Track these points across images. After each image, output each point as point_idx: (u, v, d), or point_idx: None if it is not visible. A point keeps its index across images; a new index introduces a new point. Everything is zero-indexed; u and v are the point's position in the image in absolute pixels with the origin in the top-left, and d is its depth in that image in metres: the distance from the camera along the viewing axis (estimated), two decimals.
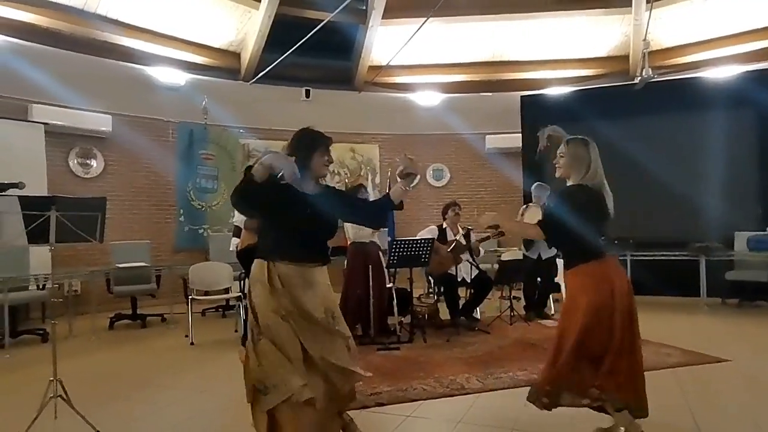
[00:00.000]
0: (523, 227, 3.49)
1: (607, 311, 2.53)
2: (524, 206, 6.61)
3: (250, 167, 2.21)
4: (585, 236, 2.59)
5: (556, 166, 2.82)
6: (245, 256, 5.07)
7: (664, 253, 6.91)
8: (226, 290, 6.22)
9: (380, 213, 2.65)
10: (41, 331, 5.66)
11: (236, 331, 5.87)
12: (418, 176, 2.59)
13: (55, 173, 7.16)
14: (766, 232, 6.64)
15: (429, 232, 5.85)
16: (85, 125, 7.36)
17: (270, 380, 2.21)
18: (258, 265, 2.37)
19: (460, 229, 5.93)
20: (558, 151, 2.78)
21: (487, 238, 5.82)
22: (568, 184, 2.75)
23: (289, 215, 2.34)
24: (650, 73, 7.01)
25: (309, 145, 2.44)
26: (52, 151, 7.17)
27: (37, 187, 6.51)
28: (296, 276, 2.32)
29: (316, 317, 2.31)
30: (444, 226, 6.01)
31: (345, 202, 2.64)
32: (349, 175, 9.53)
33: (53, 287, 4.17)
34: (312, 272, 2.38)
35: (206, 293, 6.25)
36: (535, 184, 6.62)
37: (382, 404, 3.41)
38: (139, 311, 6.55)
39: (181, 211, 8.37)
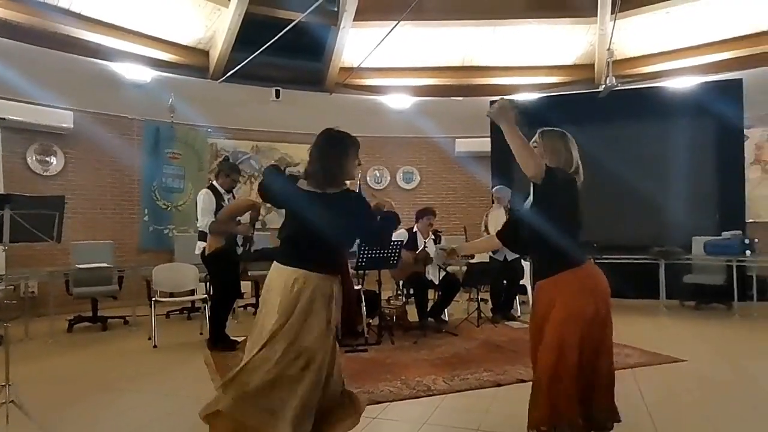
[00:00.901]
0: (477, 246, 3.21)
1: (599, 324, 2.32)
2: (489, 210, 6.72)
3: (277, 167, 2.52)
4: (566, 235, 2.36)
5: None
6: (213, 260, 5.00)
7: (626, 256, 7.10)
8: (192, 292, 6.11)
9: (387, 235, 2.79)
10: None
11: (201, 333, 5.76)
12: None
13: (12, 170, 6.91)
14: (722, 237, 6.89)
15: (398, 236, 5.87)
16: (44, 121, 7.11)
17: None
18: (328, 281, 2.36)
19: (430, 233, 5.98)
20: (531, 141, 2.49)
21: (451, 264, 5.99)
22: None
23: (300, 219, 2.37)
24: (614, 81, 7.21)
25: (344, 149, 2.44)
26: (9, 147, 6.92)
27: None
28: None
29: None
30: (414, 230, 6.04)
31: (359, 214, 2.48)
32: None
33: (7, 288, 4.00)
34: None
35: (171, 295, 6.12)
36: (497, 186, 6.76)
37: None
38: (100, 313, 6.36)
39: (146, 210, 8.17)
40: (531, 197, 2.47)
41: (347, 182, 2.51)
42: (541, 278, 2.44)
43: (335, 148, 2.41)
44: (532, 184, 2.40)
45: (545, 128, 2.54)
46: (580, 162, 2.51)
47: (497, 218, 6.37)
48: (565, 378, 2.22)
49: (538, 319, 2.42)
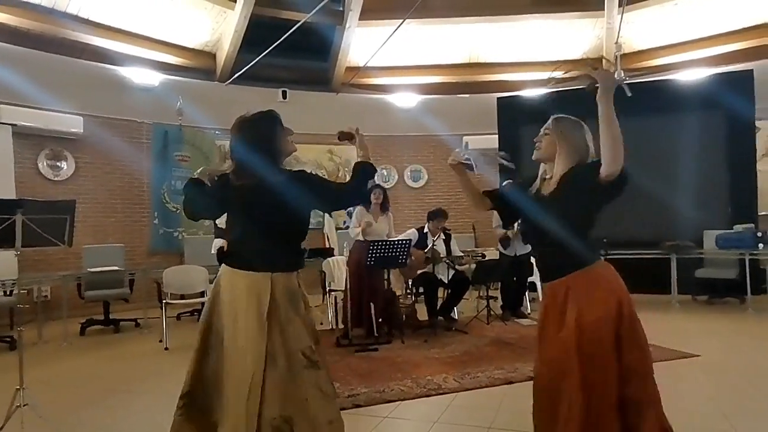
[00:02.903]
0: (471, 186, 2.44)
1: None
2: None
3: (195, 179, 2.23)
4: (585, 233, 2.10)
5: (536, 146, 2.26)
6: None
7: (637, 251, 7.05)
8: (202, 293, 6.13)
9: (363, 184, 2.30)
10: (9, 339, 5.51)
11: None
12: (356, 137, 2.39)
13: (23, 175, 6.99)
14: (734, 231, 6.82)
15: (409, 235, 5.87)
16: (55, 126, 7.18)
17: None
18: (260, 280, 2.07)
19: (440, 233, 5.97)
20: (543, 128, 2.23)
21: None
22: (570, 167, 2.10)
23: (257, 213, 2.10)
24: (622, 75, 7.15)
25: (270, 127, 2.18)
26: (21, 152, 7.00)
27: (5, 190, 6.35)
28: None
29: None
30: (425, 230, 6.04)
31: (324, 188, 2.27)
32: (327, 177, 9.51)
33: (20, 293, 4.04)
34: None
35: (181, 297, 6.15)
36: (507, 181, 6.72)
37: (359, 406, 3.40)
38: (111, 316, 6.42)
39: (156, 213, 8.23)
40: (540, 185, 2.24)
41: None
42: (551, 278, 2.12)
43: (257, 132, 2.15)
44: (551, 168, 2.17)
45: (560, 115, 2.20)
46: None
47: None
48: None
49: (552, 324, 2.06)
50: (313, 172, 2.41)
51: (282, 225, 2.13)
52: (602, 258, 2.17)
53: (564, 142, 2.13)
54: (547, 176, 2.23)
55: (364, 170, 2.25)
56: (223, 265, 2.19)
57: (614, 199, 2.05)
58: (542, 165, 2.29)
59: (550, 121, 2.21)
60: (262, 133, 2.15)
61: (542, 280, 2.24)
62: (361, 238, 5.50)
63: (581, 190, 2.01)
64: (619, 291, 2.00)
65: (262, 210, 2.10)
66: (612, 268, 2.10)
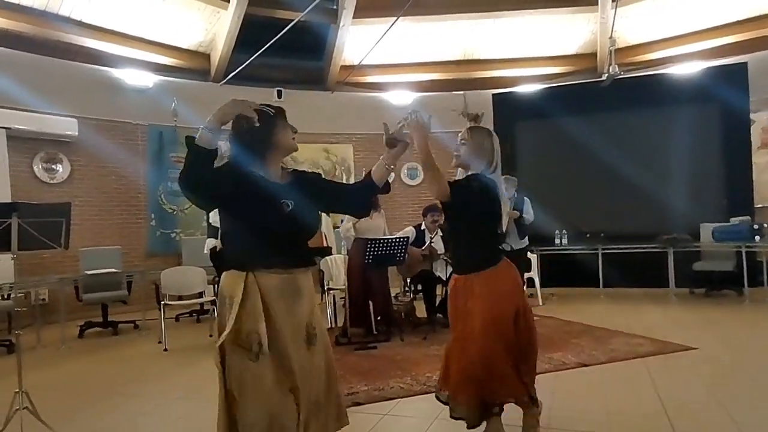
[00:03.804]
0: (432, 162, 2.44)
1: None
2: None
3: (192, 138, 1.86)
4: (484, 237, 2.49)
5: (455, 154, 2.54)
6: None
7: (634, 246, 7.08)
8: (200, 294, 6.13)
9: (365, 197, 2.19)
10: (7, 342, 5.48)
11: (211, 335, 5.79)
12: (409, 144, 2.25)
13: (18, 179, 6.97)
14: (730, 223, 6.85)
15: (407, 233, 5.88)
16: (49, 129, 7.16)
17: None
18: (230, 278, 1.93)
19: (437, 229, 5.97)
20: (458, 139, 2.52)
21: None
22: (469, 173, 2.51)
23: (263, 210, 1.93)
24: (617, 70, 7.16)
25: (267, 118, 2.00)
26: (16, 156, 6.97)
27: (0, 194, 6.34)
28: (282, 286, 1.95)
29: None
30: (423, 228, 6.04)
31: (323, 188, 2.16)
32: (323, 175, 9.51)
33: (18, 296, 4.03)
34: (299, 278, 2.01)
35: (179, 298, 6.15)
36: (502, 177, 6.71)
37: (359, 404, 3.40)
38: (110, 318, 6.41)
39: (152, 215, 8.22)
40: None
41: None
42: (461, 273, 2.54)
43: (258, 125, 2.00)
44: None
45: (474, 125, 2.61)
46: (499, 159, 2.53)
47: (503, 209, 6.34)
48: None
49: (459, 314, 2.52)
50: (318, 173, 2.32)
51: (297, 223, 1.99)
52: (505, 259, 2.53)
53: (478, 150, 2.48)
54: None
55: (371, 185, 2.17)
56: (232, 270, 1.94)
57: (476, 206, 2.42)
58: (459, 170, 2.58)
59: (465, 131, 2.53)
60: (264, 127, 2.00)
61: (453, 272, 2.62)
62: (351, 234, 5.49)
63: (452, 208, 2.47)
64: (517, 291, 2.47)
65: (275, 205, 1.95)
66: (513, 267, 2.51)
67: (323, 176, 2.29)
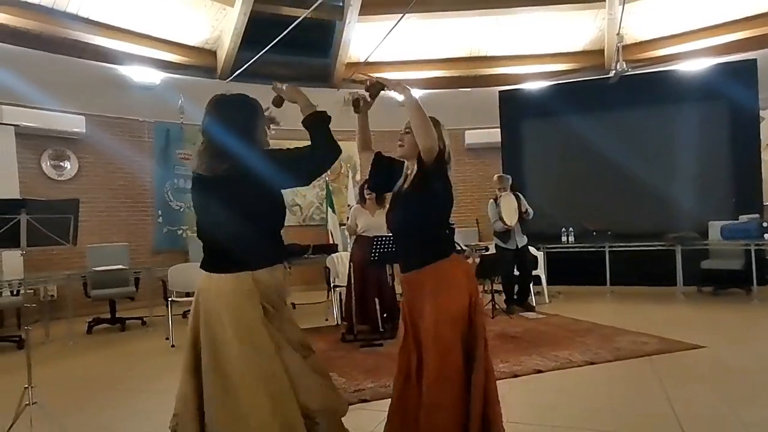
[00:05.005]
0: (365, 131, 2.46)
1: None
2: (493, 199, 6.65)
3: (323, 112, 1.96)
4: (442, 224, 2.27)
5: (398, 144, 2.39)
6: None
7: (641, 244, 7.04)
8: None
9: (328, 139, 2.03)
10: (16, 338, 5.54)
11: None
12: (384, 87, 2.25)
13: (27, 176, 7.02)
14: (738, 221, 6.79)
15: None
16: (57, 126, 7.21)
17: None
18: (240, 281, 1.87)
19: None
20: (404, 126, 2.38)
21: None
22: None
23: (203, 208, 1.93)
24: (624, 66, 7.11)
25: (251, 113, 2.03)
26: (24, 153, 7.02)
27: (9, 191, 6.38)
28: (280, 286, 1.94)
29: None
30: None
31: (285, 160, 1.97)
32: (329, 172, 9.50)
33: (27, 292, 4.06)
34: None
35: (186, 294, 6.16)
36: (498, 175, 6.79)
37: (365, 401, 3.41)
38: (117, 314, 6.45)
39: (159, 212, 8.26)
40: (404, 180, 2.35)
41: None
42: (409, 269, 2.23)
43: (243, 119, 1.98)
44: (413, 165, 2.29)
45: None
46: (450, 149, 2.38)
47: (510, 205, 6.36)
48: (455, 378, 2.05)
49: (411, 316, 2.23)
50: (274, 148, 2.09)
51: (266, 215, 1.95)
52: (457, 253, 2.30)
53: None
54: (409, 171, 2.35)
55: (315, 121, 2.02)
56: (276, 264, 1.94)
57: (442, 184, 2.20)
58: (406, 162, 2.40)
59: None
60: (243, 115, 1.98)
61: (401, 270, 2.31)
62: (349, 232, 5.50)
63: (423, 177, 2.20)
64: (469, 285, 2.17)
65: (244, 201, 1.90)
66: (466, 263, 2.31)
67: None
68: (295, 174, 1.97)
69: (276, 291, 1.95)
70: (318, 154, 1.99)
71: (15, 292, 5.83)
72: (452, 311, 2.08)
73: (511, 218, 6.30)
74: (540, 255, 7.11)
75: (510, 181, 6.62)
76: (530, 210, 6.46)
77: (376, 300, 5.23)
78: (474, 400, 2.02)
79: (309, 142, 2.00)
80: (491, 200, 6.63)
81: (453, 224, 2.45)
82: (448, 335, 2.05)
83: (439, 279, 2.13)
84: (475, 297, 2.16)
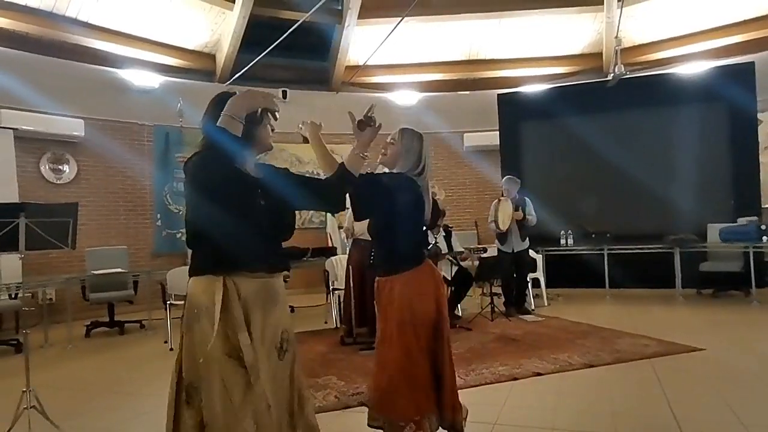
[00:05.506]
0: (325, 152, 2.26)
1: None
2: (496, 201, 6.64)
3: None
4: (405, 235, 2.35)
5: (382, 152, 2.53)
6: None
7: (640, 246, 7.04)
8: None
9: (340, 190, 2.04)
10: (15, 342, 5.53)
11: (171, 349, 5.79)
12: (379, 129, 2.19)
13: (26, 179, 7.01)
14: (737, 224, 6.80)
15: None
16: (56, 130, 7.20)
17: None
18: (204, 284, 1.79)
19: (441, 229, 5.96)
20: (389, 138, 2.52)
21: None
22: (393, 171, 2.48)
23: (245, 207, 1.79)
24: (623, 69, 7.13)
25: (253, 111, 1.92)
26: (23, 156, 7.02)
27: (8, 195, 6.37)
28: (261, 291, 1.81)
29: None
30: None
31: (295, 184, 1.95)
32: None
33: (25, 296, 4.06)
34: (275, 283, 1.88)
35: (185, 298, 6.16)
36: (506, 177, 6.72)
37: (364, 404, 3.40)
38: (116, 318, 6.44)
39: (158, 215, 8.25)
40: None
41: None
42: (381, 275, 2.42)
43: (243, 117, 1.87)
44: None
45: (406, 127, 2.55)
46: (428, 163, 2.51)
47: (505, 210, 6.33)
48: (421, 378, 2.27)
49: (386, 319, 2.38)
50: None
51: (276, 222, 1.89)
52: (428, 260, 2.43)
53: (406, 152, 2.45)
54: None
55: (345, 174, 2.03)
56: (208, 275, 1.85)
57: (384, 205, 2.31)
58: (382, 168, 2.55)
59: (396, 132, 2.51)
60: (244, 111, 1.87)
61: (377, 275, 2.48)
62: (346, 234, 5.50)
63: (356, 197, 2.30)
64: (436, 291, 2.33)
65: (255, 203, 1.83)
66: (435, 269, 2.43)
67: (291, 171, 2.06)
68: (299, 194, 1.95)
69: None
70: (325, 193, 2.04)
71: (13, 296, 5.82)
72: (418, 317, 2.24)
73: (504, 223, 6.29)
74: (539, 257, 7.12)
75: (518, 185, 6.55)
76: (532, 217, 6.41)
77: (375, 303, 5.22)
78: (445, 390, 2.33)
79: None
80: (495, 200, 6.63)
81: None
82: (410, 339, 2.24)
83: (407, 286, 2.29)
84: (441, 303, 2.34)
